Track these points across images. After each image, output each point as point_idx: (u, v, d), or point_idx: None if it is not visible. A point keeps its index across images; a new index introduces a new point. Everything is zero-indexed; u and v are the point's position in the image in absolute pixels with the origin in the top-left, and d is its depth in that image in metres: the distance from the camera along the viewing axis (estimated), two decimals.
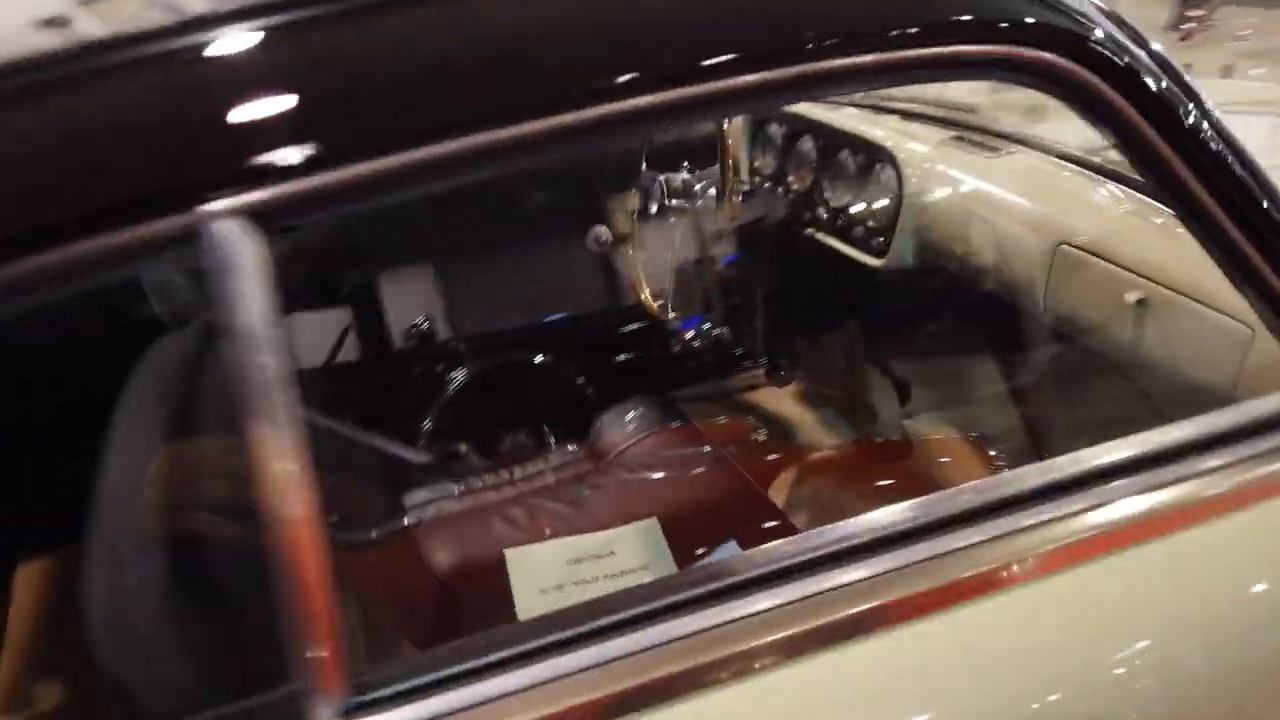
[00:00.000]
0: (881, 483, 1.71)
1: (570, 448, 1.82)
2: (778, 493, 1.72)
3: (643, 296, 1.85)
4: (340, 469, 1.81)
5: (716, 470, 1.67)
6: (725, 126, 1.61)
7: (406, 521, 1.62)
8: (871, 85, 0.77)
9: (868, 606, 0.79)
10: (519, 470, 1.77)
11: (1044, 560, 0.84)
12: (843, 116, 1.81)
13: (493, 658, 0.71)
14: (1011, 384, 1.55)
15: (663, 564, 1.45)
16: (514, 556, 1.46)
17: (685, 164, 1.88)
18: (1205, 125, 0.80)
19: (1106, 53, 0.76)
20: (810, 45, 0.69)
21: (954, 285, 1.51)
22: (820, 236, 1.80)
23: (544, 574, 1.44)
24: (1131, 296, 1.17)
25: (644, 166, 1.86)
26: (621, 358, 2.02)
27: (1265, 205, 0.81)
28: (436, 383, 2.20)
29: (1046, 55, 0.74)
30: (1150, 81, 0.78)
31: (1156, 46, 0.82)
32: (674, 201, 1.73)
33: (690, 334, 1.89)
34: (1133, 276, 1.18)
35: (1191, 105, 0.80)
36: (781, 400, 2.21)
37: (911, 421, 1.81)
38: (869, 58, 0.69)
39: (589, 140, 0.66)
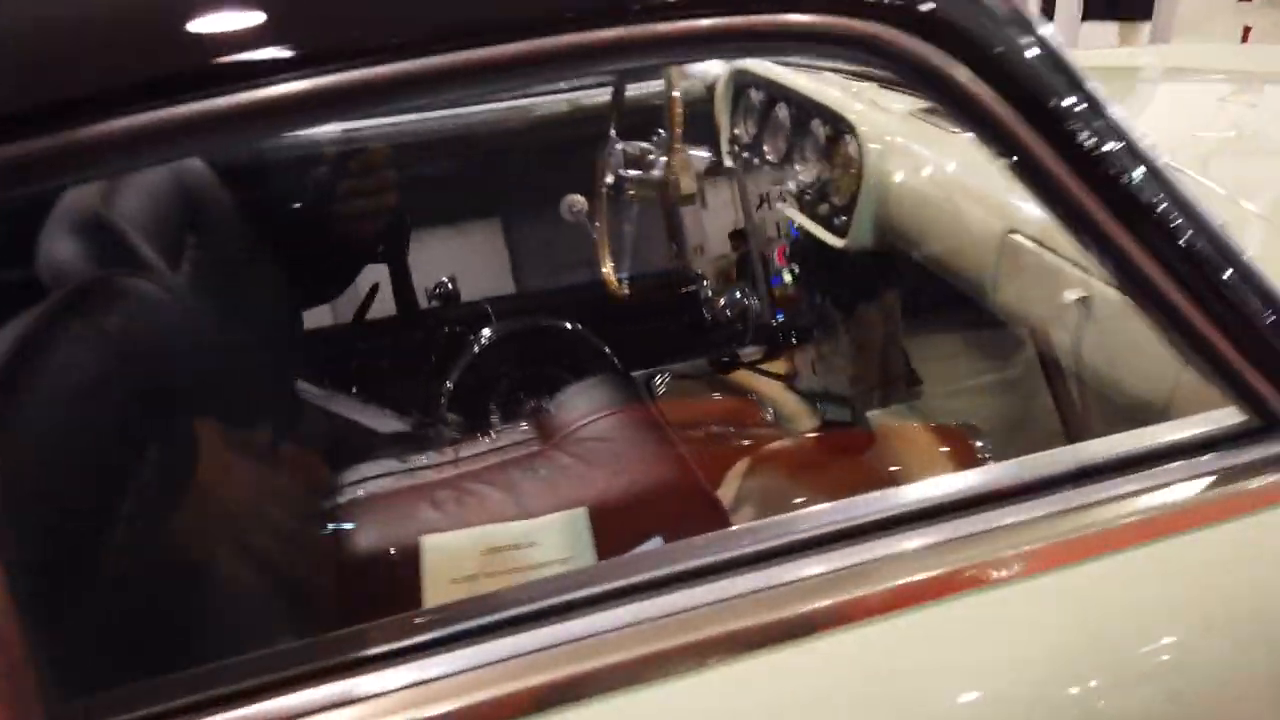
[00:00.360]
0: (834, 477, 1.61)
1: (522, 426, 1.75)
2: (730, 484, 1.63)
3: (604, 271, 1.76)
4: (309, 436, 1.76)
5: (662, 459, 1.59)
6: (675, 94, 1.50)
7: (340, 499, 1.57)
8: (666, 58, 0.67)
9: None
10: (466, 448, 1.71)
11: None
12: (822, 84, 1.69)
13: (229, 689, 0.64)
14: (956, 375, 1.44)
15: (585, 558, 1.37)
16: (431, 543, 1.40)
17: (659, 131, 1.77)
18: (1094, 122, 0.69)
19: (962, 30, 0.65)
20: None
21: (907, 269, 1.40)
22: (790, 212, 1.69)
23: (459, 562, 1.38)
24: (1071, 295, 1.05)
25: (612, 133, 1.76)
26: (579, 334, 1.94)
27: (1170, 218, 0.70)
28: (431, 350, 2.15)
29: (889, 30, 0.63)
30: (1018, 68, 0.67)
31: (1046, 30, 0.70)
32: (631, 172, 1.63)
33: (644, 312, 1.80)
34: (1077, 273, 1.07)
35: (1082, 103, 0.69)
36: (758, 380, 2.11)
37: (879, 412, 1.70)
38: (642, 28, 0.59)
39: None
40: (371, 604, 1.37)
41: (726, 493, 1.62)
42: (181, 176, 1.53)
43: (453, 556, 1.38)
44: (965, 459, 1.63)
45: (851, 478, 1.62)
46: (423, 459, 1.67)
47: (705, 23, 0.61)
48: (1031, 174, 0.68)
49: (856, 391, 1.87)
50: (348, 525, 1.47)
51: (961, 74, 0.64)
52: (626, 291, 1.70)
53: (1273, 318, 0.76)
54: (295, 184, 1.76)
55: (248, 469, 1.40)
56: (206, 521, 1.22)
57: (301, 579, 1.36)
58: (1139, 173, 0.69)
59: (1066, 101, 0.68)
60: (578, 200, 1.81)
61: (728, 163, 1.90)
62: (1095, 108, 0.69)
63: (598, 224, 1.81)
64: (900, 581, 0.76)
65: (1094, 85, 0.70)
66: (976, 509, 0.76)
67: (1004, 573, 0.77)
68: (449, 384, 2.14)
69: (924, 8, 0.63)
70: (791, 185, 1.68)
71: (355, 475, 1.63)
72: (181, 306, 1.27)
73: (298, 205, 1.73)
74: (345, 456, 1.70)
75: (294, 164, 1.87)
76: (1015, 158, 0.68)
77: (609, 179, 1.67)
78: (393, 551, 1.41)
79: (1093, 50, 3.38)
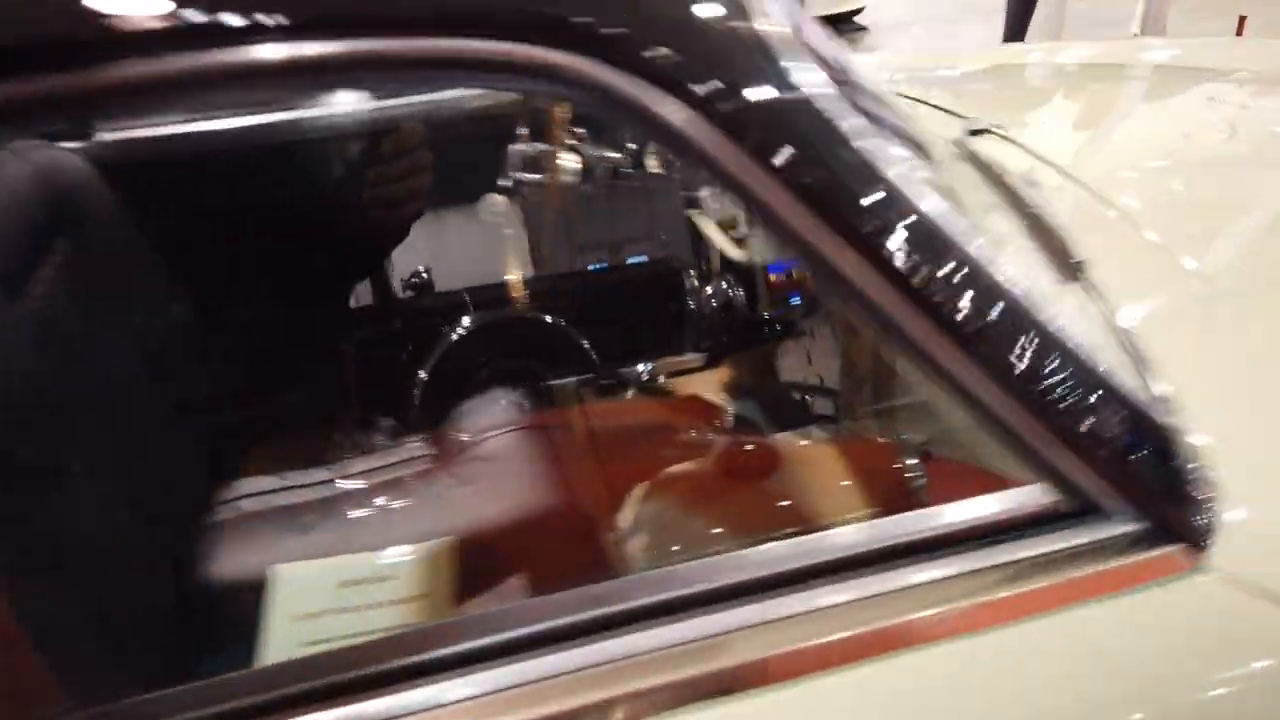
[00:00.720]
0: (738, 505, 1.50)
1: (418, 441, 1.66)
2: (630, 509, 1.53)
3: (508, 278, 1.66)
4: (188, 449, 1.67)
5: (554, 483, 1.49)
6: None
7: (210, 519, 1.48)
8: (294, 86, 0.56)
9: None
10: (357, 463, 1.62)
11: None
12: None
13: None
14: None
15: (443, 595, 1.28)
16: (283, 573, 1.30)
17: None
18: (857, 168, 0.58)
19: (676, 63, 0.54)
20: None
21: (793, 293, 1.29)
22: (700, 220, 1.58)
23: (308, 597, 1.28)
24: None
25: (523, 132, 1.66)
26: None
27: (951, 287, 0.59)
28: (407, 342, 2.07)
29: (586, 62, 0.53)
30: (750, 109, 0.56)
31: (811, 73, 0.59)
32: (526, 175, 1.53)
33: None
34: None
35: (835, 148, 0.58)
36: (699, 389, 2.00)
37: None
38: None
39: None
40: (211, 641, 1.30)
41: (627, 518, 1.52)
42: (48, 176, 1.45)
43: (303, 589, 1.29)
44: (890, 480, 1.52)
45: (756, 504, 1.51)
46: (307, 474, 1.58)
47: (364, 47, 0.51)
48: (775, 227, 0.57)
49: (843, 387, 1.77)
50: (206, 550, 1.38)
51: (676, 113, 0.54)
52: (527, 299, 1.61)
53: (1098, 399, 0.64)
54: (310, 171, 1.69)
55: (84, 490, 1.32)
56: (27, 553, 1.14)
57: (140, 614, 1.28)
58: (907, 233, 0.58)
59: (817, 146, 0.56)
60: (497, 200, 1.72)
61: (652, 165, 1.79)
62: (856, 153, 0.58)
63: (508, 230, 1.72)
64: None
65: (867, 139, 0.59)
66: (725, 603, 0.66)
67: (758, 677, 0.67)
68: (421, 374, 2.04)
69: (626, 36, 0.52)
70: (705, 192, 1.57)
71: (234, 491, 1.54)
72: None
73: (323, 192, 1.66)
74: (231, 469, 1.61)
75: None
76: (751, 206, 0.57)
77: (506, 181, 1.57)
78: (244, 581, 1.32)
79: (1080, 43, 3.22)
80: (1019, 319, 0.62)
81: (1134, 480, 0.66)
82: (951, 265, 0.59)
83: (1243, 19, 3.56)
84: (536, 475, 1.51)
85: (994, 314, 0.60)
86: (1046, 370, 0.62)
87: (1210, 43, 2.93)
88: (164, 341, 1.65)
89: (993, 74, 2.35)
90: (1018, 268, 0.69)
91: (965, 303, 0.59)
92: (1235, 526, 0.69)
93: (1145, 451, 0.66)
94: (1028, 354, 0.62)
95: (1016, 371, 0.62)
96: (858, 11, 7.27)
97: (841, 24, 7.22)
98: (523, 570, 1.30)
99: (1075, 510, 0.67)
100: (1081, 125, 2.04)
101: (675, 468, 1.60)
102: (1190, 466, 0.69)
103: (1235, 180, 1.60)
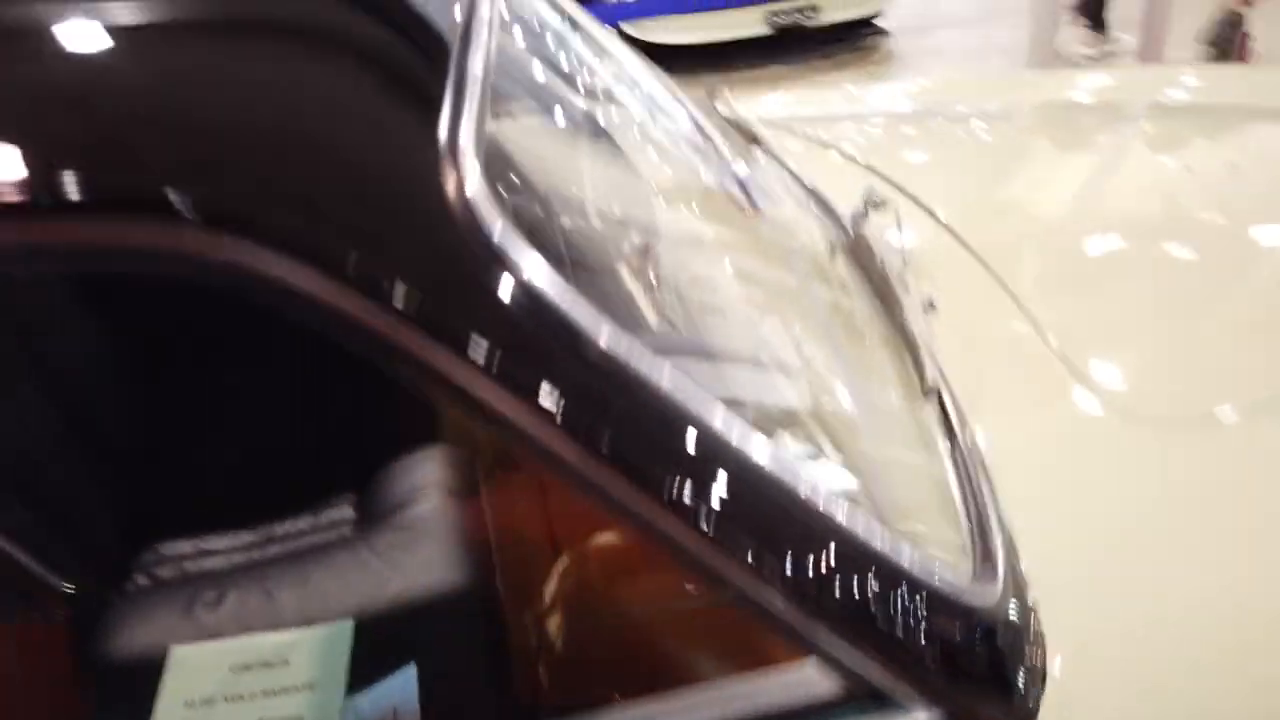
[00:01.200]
0: (650, 591, 1.44)
1: (346, 502, 1.61)
2: (551, 583, 1.48)
3: None
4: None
5: (471, 555, 1.44)
6: None
7: (126, 586, 1.46)
8: None
9: None
10: (281, 525, 1.58)
11: None
12: None
13: None
14: None
15: (333, 684, 1.24)
16: (179, 655, 1.28)
17: None
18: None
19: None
20: None
21: None
22: None
23: (202, 682, 1.25)
24: None
25: None
26: None
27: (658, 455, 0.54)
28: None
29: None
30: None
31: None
32: None
33: None
34: None
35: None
36: None
37: None
38: None
39: None
40: None
41: (549, 590, 1.47)
42: None
43: (197, 673, 1.26)
44: None
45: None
46: (229, 538, 1.55)
47: None
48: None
49: None
50: (111, 621, 1.36)
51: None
52: None
53: (880, 576, 0.59)
54: None
55: None
56: None
57: (29, 688, 1.25)
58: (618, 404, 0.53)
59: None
60: None
61: None
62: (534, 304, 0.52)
63: None
64: None
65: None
66: None
67: None
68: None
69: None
70: None
71: (150, 555, 1.51)
72: None
73: None
74: (160, 528, 1.58)
75: None
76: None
77: None
78: (144, 658, 1.30)
79: (1069, 71, 3.11)
80: (758, 483, 0.56)
81: (931, 667, 0.60)
82: (688, 439, 0.54)
83: (1244, 36, 3.36)
84: (459, 548, 1.46)
85: (729, 486, 0.55)
86: (817, 554, 0.57)
87: (1211, 73, 2.81)
88: (81, 392, 1.62)
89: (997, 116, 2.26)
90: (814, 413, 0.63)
91: (690, 473, 0.54)
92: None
93: (946, 635, 0.60)
94: (792, 537, 0.56)
95: (773, 556, 0.56)
96: (875, 16, 7.14)
97: (863, 29, 7.10)
98: (407, 659, 1.25)
99: (858, 698, 0.61)
100: (1046, 183, 1.94)
101: (601, 536, 1.54)
102: (1008, 650, 0.62)
103: (1207, 267, 1.49)
